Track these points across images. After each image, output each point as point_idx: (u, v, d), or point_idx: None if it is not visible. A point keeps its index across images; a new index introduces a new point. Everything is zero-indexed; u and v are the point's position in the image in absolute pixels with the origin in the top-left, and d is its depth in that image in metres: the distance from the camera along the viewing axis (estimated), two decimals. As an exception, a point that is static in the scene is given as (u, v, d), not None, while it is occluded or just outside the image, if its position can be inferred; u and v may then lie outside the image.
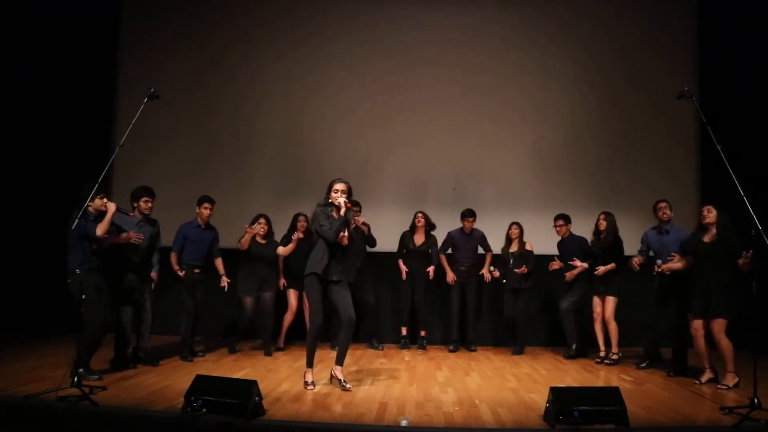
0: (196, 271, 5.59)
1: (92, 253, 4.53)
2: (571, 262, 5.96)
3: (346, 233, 4.40)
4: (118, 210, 4.62)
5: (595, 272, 5.70)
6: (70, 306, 4.62)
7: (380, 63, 7.21)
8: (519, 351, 6.26)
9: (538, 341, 6.67)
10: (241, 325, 6.06)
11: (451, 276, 6.44)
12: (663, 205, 5.32)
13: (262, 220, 5.95)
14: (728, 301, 4.54)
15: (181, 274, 5.54)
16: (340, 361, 4.44)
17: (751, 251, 4.15)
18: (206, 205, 5.67)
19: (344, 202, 4.33)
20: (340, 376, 4.40)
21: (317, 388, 4.38)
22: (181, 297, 5.58)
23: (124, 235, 4.89)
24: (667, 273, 5.00)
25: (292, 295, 6.21)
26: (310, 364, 4.41)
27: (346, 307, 4.36)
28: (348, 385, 4.33)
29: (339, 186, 4.40)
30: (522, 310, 6.29)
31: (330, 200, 4.41)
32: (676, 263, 4.92)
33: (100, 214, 4.57)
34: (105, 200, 4.58)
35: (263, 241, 5.98)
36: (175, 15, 7.40)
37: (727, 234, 4.61)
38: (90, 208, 4.47)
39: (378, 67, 7.21)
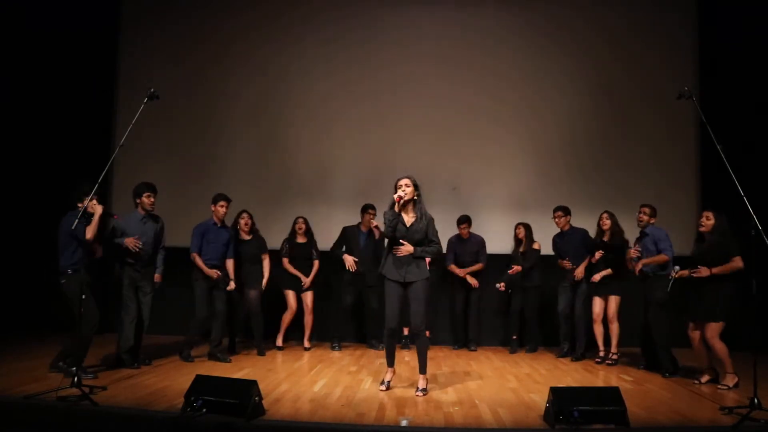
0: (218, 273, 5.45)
1: (83, 253, 4.49)
2: (563, 261, 5.98)
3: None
4: (104, 213, 4.57)
5: (592, 279, 5.72)
6: (66, 306, 4.63)
7: (379, 62, 7.19)
8: (533, 349, 6.31)
9: (538, 341, 6.65)
10: (237, 321, 5.88)
11: (472, 280, 6.39)
12: (641, 210, 5.41)
13: (245, 215, 5.84)
14: (721, 306, 4.54)
15: (216, 275, 5.39)
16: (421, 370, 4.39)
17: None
18: (222, 203, 5.55)
19: (396, 196, 4.31)
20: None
21: (317, 388, 4.38)
22: (195, 300, 5.41)
23: (127, 240, 4.90)
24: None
25: (291, 296, 6.20)
26: (390, 363, 4.47)
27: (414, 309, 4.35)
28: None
29: (401, 182, 4.41)
30: (533, 309, 6.29)
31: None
32: (703, 273, 4.75)
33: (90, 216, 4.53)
34: (93, 201, 4.48)
35: (248, 237, 5.84)
36: (175, 15, 7.39)
37: (720, 237, 4.60)
38: (85, 209, 4.44)
39: (376, 66, 7.19)
